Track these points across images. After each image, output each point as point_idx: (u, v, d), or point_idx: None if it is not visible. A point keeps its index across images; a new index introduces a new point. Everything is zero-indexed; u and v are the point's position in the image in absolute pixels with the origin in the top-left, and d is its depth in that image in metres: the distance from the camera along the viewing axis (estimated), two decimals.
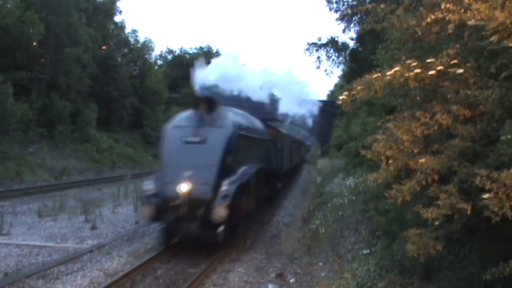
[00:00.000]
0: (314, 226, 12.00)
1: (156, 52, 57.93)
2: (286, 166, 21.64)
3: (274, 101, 17.80)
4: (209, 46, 62.06)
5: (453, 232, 3.48)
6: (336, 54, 23.12)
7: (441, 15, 3.69)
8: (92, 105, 34.39)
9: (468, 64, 3.78)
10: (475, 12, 3.19)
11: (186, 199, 8.85)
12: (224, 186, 9.17)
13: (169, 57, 61.00)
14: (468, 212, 3.12)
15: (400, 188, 3.60)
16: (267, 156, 15.55)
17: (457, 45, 4.00)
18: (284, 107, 16.68)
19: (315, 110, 19.92)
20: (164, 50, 62.26)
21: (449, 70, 3.68)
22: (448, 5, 3.59)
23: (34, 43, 28.54)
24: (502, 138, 3.01)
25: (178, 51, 61.00)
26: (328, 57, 23.24)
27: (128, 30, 45.02)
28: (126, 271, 8.08)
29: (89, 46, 33.39)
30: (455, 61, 3.73)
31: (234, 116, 11.44)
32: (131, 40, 44.58)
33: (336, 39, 22.86)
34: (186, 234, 9.20)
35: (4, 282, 7.46)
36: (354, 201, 11.10)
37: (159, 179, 9.66)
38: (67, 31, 30.47)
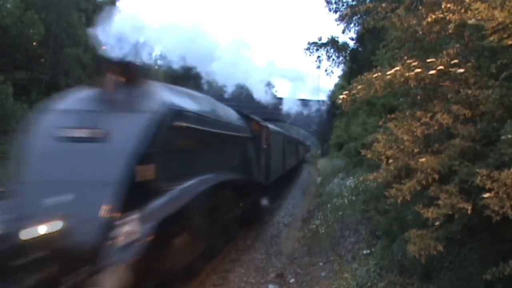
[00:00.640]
0: (314, 226, 12.00)
1: (156, 52, 57.92)
2: (277, 172, 16.38)
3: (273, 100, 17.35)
4: None
5: (453, 232, 3.47)
6: (336, 54, 23.11)
7: (441, 15, 3.69)
8: None
9: (469, 64, 3.78)
10: (475, 12, 3.19)
11: (55, 251, 4.67)
12: (129, 225, 4.74)
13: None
14: (469, 212, 3.11)
15: (400, 187, 3.59)
16: (244, 161, 10.87)
17: (458, 45, 3.99)
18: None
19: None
20: (164, 50, 62.17)
21: (450, 70, 3.67)
22: (448, 5, 3.59)
23: (34, 43, 28.56)
24: (503, 137, 3.01)
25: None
26: (328, 57, 23.23)
27: None
28: None
29: (89, 46, 33.41)
30: (456, 60, 3.72)
31: (167, 95, 6.83)
32: None
33: (336, 39, 22.85)
34: None
35: None
36: (354, 201, 11.11)
37: (7, 211, 5.08)
38: (67, 31, 30.51)
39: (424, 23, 3.95)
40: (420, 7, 4.42)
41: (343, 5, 20.74)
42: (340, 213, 11.46)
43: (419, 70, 3.70)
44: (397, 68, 3.86)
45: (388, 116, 4.50)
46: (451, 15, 3.61)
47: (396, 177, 3.91)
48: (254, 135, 12.22)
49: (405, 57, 4.27)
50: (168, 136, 6.03)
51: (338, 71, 31.63)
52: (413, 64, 3.80)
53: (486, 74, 3.75)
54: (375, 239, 7.86)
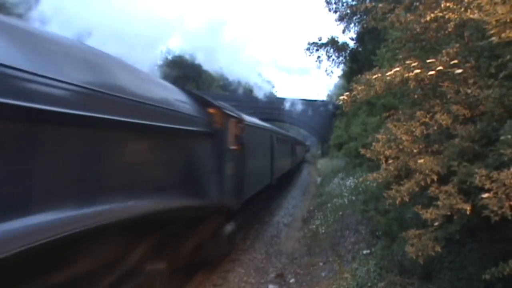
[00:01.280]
0: (314, 226, 12.00)
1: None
2: (258, 184, 11.88)
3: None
4: None
5: (452, 232, 3.46)
6: (336, 54, 23.17)
7: (440, 14, 3.69)
8: None
9: (468, 64, 3.77)
10: (475, 10, 3.20)
11: None
12: None
13: (169, 57, 61.05)
14: (468, 213, 3.11)
15: (399, 188, 3.59)
16: (185, 173, 6.31)
17: (457, 45, 3.99)
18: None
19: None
20: (164, 50, 62.34)
21: (449, 70, 3.67)
22: (448, 4, 3.59)
23: None
24: (502, 138, 3.00)
25: (178, 51, 61.04)
26: (328, 57, 23.31)
27: None
28: None
29: None
30: (455, 61, 3.72)
31: None
32: None
33: (336, 39, 22.90)
34: None
35: None
36: (354, 201, 11.11)
37: None
38: None
39: (422, 21, 3.95)
40: (418, 5, 4.43)
41: (343, 5, 20.79)
42: (340, 213, 11.46)
43: (418, 70, 3.70)
44: (397, 68, 3.86)
45: (388, 113, 4.51)
46: (450, 14, 3.61)
47: (396, 177, 3.92)
48: (213, 130, 7.56)
49: (405, 57, 4.27)
50: None
51: (338, 71, 31.71)
52: (413, 64, 3.80)
53: (485, 74, 3.75)
54: (375, 239, 7.86)
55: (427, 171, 3.38)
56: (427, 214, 3.24)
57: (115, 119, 3.92)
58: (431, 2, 4.04)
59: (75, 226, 3.17)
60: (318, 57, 23.21)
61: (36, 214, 2.86)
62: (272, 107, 44.56)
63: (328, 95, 57.34)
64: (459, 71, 3.56)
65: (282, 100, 47.78)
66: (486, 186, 2.83)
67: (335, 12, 20.84)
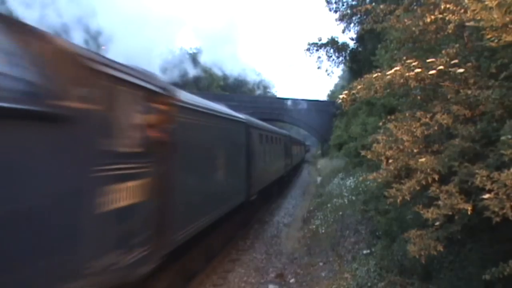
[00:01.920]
0: (314, 226, 12.00)
1: (156, 53, 57.91)
2: (202, 219, 6.70)
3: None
4: None
5: (453, 232, 3.47)
6: (336, 54, 23.17)
7: (440, 15, 3.70)
8: None
9: (468, 64, 3.78)
10: (473, 13, 3.21)
11: None
12: None
13: (169, 57, 61.03)
14: (469, 213, 3.11)
15: (399, 187, 3.59)
16: None
17: (457, 45, 4.00)
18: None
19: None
20: (164, 50, 62.28)
21: (450, 70, 3.68)
22: (447, 5, 3.60)
23: None
24: (502, 138, 3.00)
25: (178, 51, 61.01)
26: (329, 57, 23.30)
27: None
28: None
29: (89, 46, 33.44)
30: (455, 61, 3.73)
31: None
32: None
33: (336, 39, 22.90)
34: None
35: None
36: (354, 201, 11.10)
37: None
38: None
39: (421, 23, 3.95)
40: (416, 8, 4.44)
41: (343, 5, 20.81)
42: (340, 213, 11.45)
43: (419, 70, 3.70)
44: (397, 68, 3.86)
45: (388, 116, 4.51)
46: (450, 15, 3.62)
47: (396, 177, 3.92)
48: (63, 110, 3.17)
49: (405, 58, 4.27)
50: None
51: (338, 71, 31.72)
52: (413, 64, 3.80)
53: (486, 74, 3.75)
54: (375, 239, 7.85)
55: (428, 170, 3.39)
56: (428, 213, 3.25)
57: None
58: (429, 3, 4.05)
59: None
60: (318, 57, 23.22)
61: None
62: (272, 107, 44.59)
63: (329, 95, 57.44)
64: (460, 70, 3.56)
65: (282, 100, 47.80)
66: (487, 187, 2.83)
67: (336, 11, 20.87)
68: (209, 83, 50.00)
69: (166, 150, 4.95)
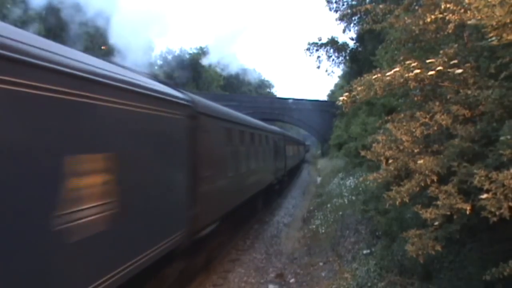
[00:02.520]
0: (314, 226, 12.00)
1: (156, 53, 58.01)
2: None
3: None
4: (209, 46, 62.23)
5: (452, 232, 3.47)
6: (336, 54, 23.16)
7: (440, 15, 3.70)
8: None
9: (468, 64, 3.78)
10: (475, 12, 3.20)
11: None
12: None
13: (169, 57, 61.03)
14: (467, 212, 3.11)
15: (399, 189, 3.59)
16: None
17: (456, 45, 4.00)
18: None
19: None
20: (164, 50, 62.38)
21: (449, 70, 3.68)
22: (448, 5, 3.59)
23: None
24: (502, 138, 3.00)
25: (178, 51, 61.04)
26: (328, 57, 23.30)
27: None
28: None
29: (89, 46, 33.41)
30: (455, 61, 3.73)
31: None
32: None
33: (336, 39, 22.90)
34: None
35: None
36: (354, 201, 11.10)
37: None
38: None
39: (421, 22, 3.95)
40: (417, 8, 4.43)
41: (343, 5, 20.81)
42: (340, 213, 11.45)
43: (418, 71, 3.70)
44: (397, 69, 3.86)
45: (388, 117, 4.51)
46: (450, 15, 3.62)
47: (396, 177, 3.92)
48: None
49: (404, 58, 4.28)
50: None
51: (338, 71, 31.71)
52: (413, 65, 3.80)
53: (485, 74, 3.75)
54: (375, 239, 7.86)
55: (427, 172, 3.39)
56: (427, 213, 3.25)
57: None
58: (429, 4, 4.05)
59: None
60: (318, 57, 23.21)
61: None
62: (272, 107, 44.63)
63: (329, 95, 57.44)
64: (459, 71, 3.56)
65: (282, 100, 47.83)
66: (485, 187, 2.83)
67: (336, 11, 20.89)
68: (209, 83, 50.04)
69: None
